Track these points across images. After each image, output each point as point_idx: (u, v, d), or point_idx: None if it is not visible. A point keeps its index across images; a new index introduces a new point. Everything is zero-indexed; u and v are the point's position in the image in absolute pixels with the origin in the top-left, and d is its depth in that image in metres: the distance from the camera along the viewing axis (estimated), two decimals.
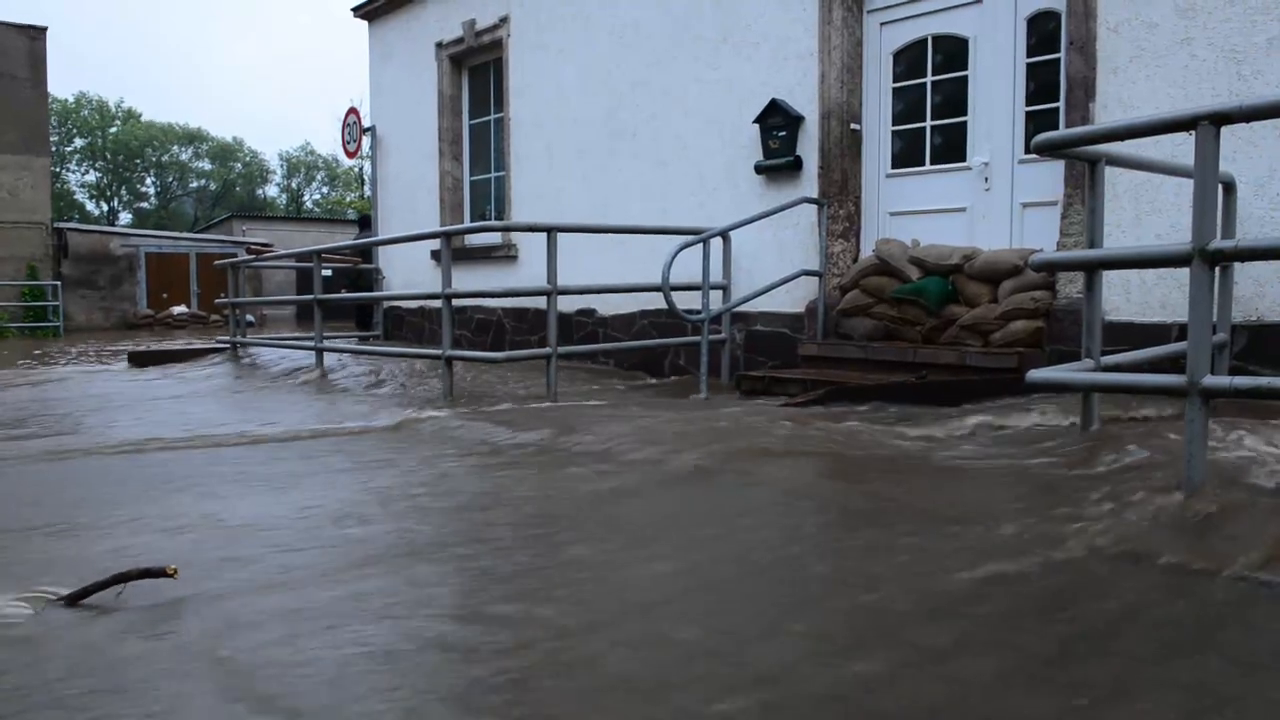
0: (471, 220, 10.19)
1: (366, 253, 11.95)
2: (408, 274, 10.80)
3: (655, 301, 7.17)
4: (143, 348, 11.32)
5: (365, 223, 13.52)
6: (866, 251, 6.49)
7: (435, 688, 1.95)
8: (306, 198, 63.77)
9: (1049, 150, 3.51)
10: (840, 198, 6.58)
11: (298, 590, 2.57)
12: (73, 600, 2.50)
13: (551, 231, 6.18)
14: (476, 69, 10.39)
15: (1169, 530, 2.72)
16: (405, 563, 2.80)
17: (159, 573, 2.51)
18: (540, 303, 7.65)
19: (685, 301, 6.29)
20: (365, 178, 37.97)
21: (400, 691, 1.91)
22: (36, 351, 14.39)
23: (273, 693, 1.92)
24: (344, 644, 2.17)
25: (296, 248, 14.46)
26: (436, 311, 9.53)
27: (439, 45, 10.44)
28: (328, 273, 12.40)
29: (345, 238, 18.22)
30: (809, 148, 6.71)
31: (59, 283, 21.28)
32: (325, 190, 63.74)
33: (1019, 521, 2.88)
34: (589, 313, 8.41)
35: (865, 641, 2.12)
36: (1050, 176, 5.63)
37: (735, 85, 7.16)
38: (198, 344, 11.45)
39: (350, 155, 13.07)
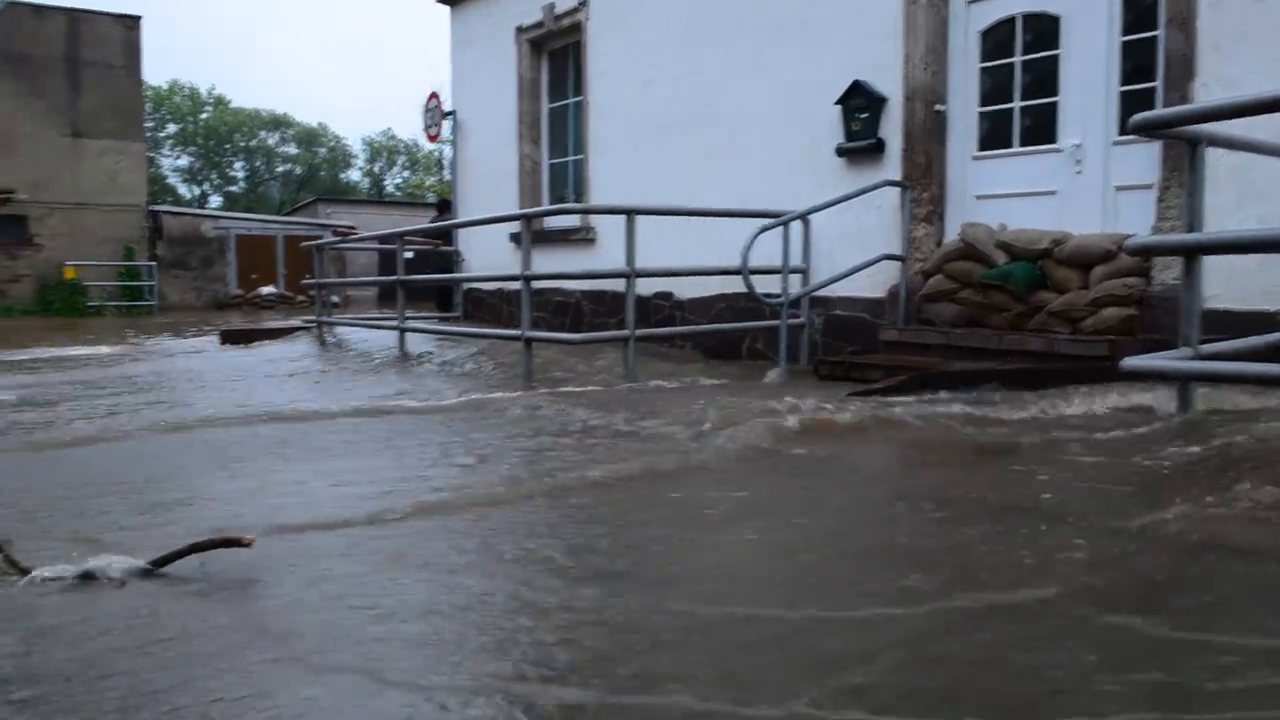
0: (550, 204, 10.27)
1: (446, 235, 12.14)
2: (486, 256, 10.94)
3: (733, 285, 7.15)
4: (234, 327, 11.70)
5: (444, 206, 13.73)
6: (951, 236, 6.37)
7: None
8: (388, 181, 64.91)
9: (1147, 130, 3.41)
10: (924, 180, 6.47)
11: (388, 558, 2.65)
12: (158, 565, 2.61)
13: (631, 214, 6.21)
14: (555, 53, 10.45)
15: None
16: (491, 535, 2.87)
17: (236, 542, 2.61)
18: (618, 285, 7.69)
19: (764, 285, 6.26)
20: (445, 162, 38.48)
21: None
22: (132, 330, 14.98)
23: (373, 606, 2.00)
24: (435, 586, 2.24)
25: (378, 230, 14.76)
26: (514, 293, 9.65)
27: (519, 29, 10.52)
28: (410, 255, 12.61)
29: (425, 221, 18.51)
30: (892, 130, 6.60)
31: (154, 263, 22.08)
32: (406, 174, 64.83)
33: (1115, 514, 2.82)
34: (666, 296, 8.43)
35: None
36: (1146, 159, 5.45)
37: (817, 66, 7.08)
38: (285, 323, 11.78)
39: (431, 139, 13.26)
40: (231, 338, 10.42)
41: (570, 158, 10.28)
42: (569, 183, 10.33)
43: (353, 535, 2.93)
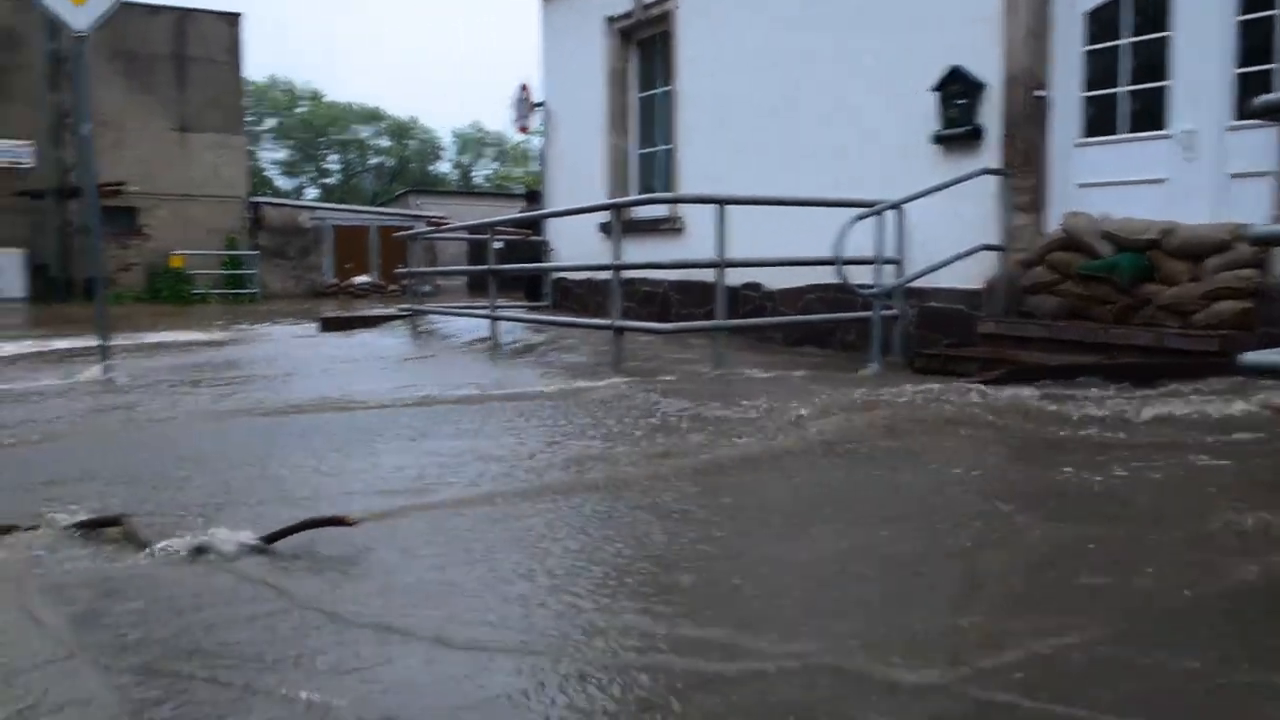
0: (638, 194, 10.30)
1: (536, 225, 12.28)
2: (574, 246, 11.03)
3: (824, 276, 7.07)
4: (334, 315, 12.05)
5: (533, 196, 13.89)
6: (1052, 225, 6.19)
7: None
8: (476, 173, 65.89)
9: (1272, 114, 3.25)
10: (1024, 168, 6.29)
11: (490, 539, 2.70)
12: (268, 541, 2.71)
13: (722, 204, 6.18)
14: (645, 42, 10.45)
15: None
16: (582, 514, 2.90)
17: (341, 521, 2.70)
18: (706, 275, 7.67)
19: (856, 276, 6.17)
20: (534, 153, 38.83)
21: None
22: (236, 317, 15.53)
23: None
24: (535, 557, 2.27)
25: (466, 221, 15.01)
26: (602, 283, 9.71)
27: (608, 19, 10.55)
28: (499, 244, 12.78)
29: (513, 211, 18.73)
30: (990, 116, 6.43)
31: (256, 252, 22.86)
32: (494, 166, 65.73)
33: (1230, 515, 2.71)
34: (755, 286, 8.37)
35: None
36: (1265, 145, 5.20)
37: (912, 52, 6.93)
38: (382, 311, 12.07)
39: (521, 131, 13.41)
40: (331, 325, 10.74)
41: (659, 148, 10.29)
42: (657, 173, 10.34)
43: (441, 516, 3.00)
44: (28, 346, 9.72)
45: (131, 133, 21.40)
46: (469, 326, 9.44)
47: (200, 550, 2.65)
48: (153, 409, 5.40)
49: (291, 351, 8.85)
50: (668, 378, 5.83)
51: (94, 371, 6.84)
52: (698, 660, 1.88)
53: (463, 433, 4.36)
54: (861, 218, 5.98)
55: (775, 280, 8.14)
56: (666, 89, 9.95)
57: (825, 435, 3.94)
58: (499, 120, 63.30)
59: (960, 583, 2.43)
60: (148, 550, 2.68)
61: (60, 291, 20.32)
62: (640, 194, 10.21)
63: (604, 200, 9.91)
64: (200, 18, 23.03)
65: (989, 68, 6.41)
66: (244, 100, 25.65)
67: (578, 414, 4.76)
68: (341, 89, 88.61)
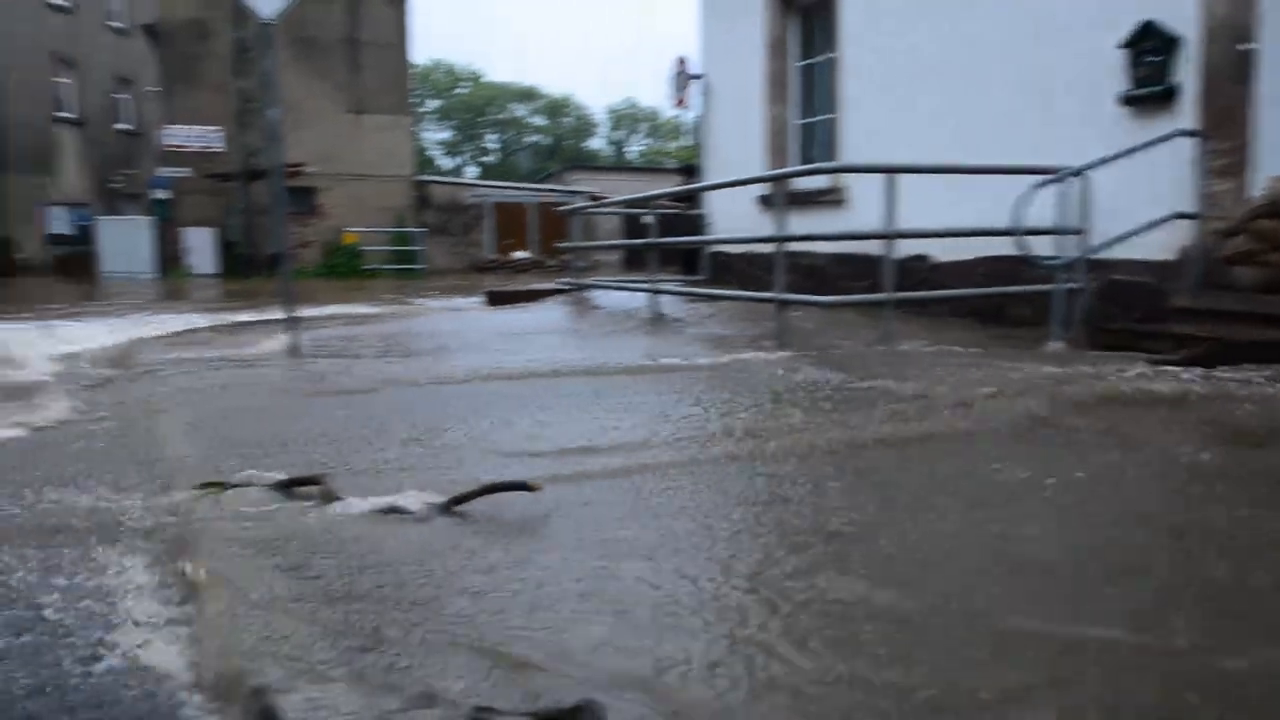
0: (798, 165, 10.11)
1: (692, 199, 12.26)
2: (731, 219, 10.95)
3: (995, 247, 6.77)
4: (498, 288, 12.42)
5: (689, 171, 13.87)
6: (1256, 191, 5.70)
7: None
8: (629, 148, 66.43)
9: None
10: (1224, 130, 5.81)
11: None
12: (455, 504, 2.81)
13: (891, 173, 5.99)
14: (806, 9, 10.22)
15: None
16: (727, 494, 2.88)
17: (525, 486, 2.78)
18: (867, 248, 7.47)
19: (1034, 248, 5.86)
20: (688, 127, 38.70)
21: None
22: (405, 290, 16.22)
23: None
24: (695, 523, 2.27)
25: (620, 196, 15.14)
26: (760, 256, 9.59)
27: None
28: (652, 219, 12.79)
29: (666, 186, 18.77)
30: (1186, 74, 5.97)
31: (423, 229, 23.80)
32: (647, 141, 66.09)
33: None
34: (921, 259, 8.09)
35: None
36: None
37: (1098, 7, 6.50)
38: (542, 285, 12.36)
39: (677, 105, 13.38)
40: (496, 299, 11.07)
41: (819, 117, 10.07)
42: (817, 143, 10.13)
43: (615, 482, 3.06)
44: (223, 318, 10.45)
45: (309, 116, 22.59)
46: (628, 300, 9.54)
47: (392, 509, 2.78)
48: (336, 377, 5.71)
49: (462, 323, 9.18)
50: (832, 352, 5.72)
51: (282, 341, 7.27)
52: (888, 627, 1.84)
53: (631, 403, 4.41)
54: (1044, 184, 5.67)
55: (943, 252, 7.85)
56: (828, 56, 9.70)
57: (1003, 413, 3.78)
58: (653, 96, 63.57)
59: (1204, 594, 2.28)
60: (343, 508, 2.83)
61: (246, 267, 21.74)
62: (800, 165, 10.02)
63: (762, 172, 9.78)
64: (370, 3, 24.02)
65: (1185, 20, 5.94)
66: (410, 83, 26.64)
67: (744, 386, 4.74)
68: (499, 69, 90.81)
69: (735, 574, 2.23)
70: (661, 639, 1.87)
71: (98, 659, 1.95)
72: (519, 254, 24.13)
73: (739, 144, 10.99)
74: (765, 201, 9.78)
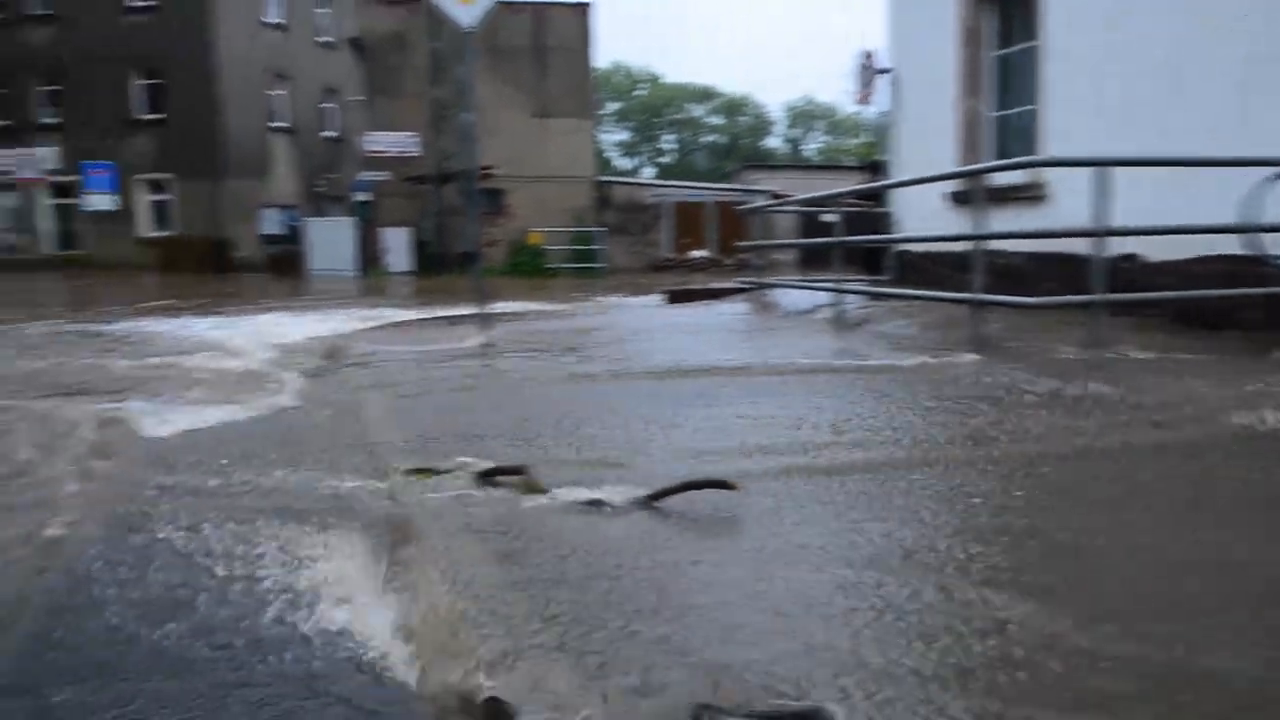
0: (993, 160, 9.67)
1: (877, 196, 11.96)
2: (919, 217, 10.60)
3: (1216, 246, 6.25)
4: (678, 287, 12.53)
5: (874, 167, 13.53)
6: None
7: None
8: (806, 146, 65.62)
9: None
10: None
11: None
12: (655, 499, 2.83)
13: (1103, 167, 5.63)
14: None
15: None
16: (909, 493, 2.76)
17: (724, 484, 2.78)
18: (1069, 246, 7.05)
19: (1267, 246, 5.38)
20: (870, 123, 37.89)
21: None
22: (587, 289, 16.60)
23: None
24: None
25: (798, 195, 14.95)
26: (948, 255, 9.24)
27: None
28: (833, 218, 12.56)
29: (845, 184, 18.42)
30: None
31: (604, 229, 24.32)
32: (825, 139, 65.10)
33: None
34: (1130, 258, 7.57)
35: None
36: None
37: None
38: (722, 284, 12.38)
39: (861, 100, 13.10)
40: (676, 297, 11.16)
41: (1015, 109, 9.59)
42: (1012, 137, 9.65)
43: (807, 482, 3.01)
44: (419, 313, 11.01)
45: (498, 121, 23.48)
46: (810, 299, 9.40)
47: (595, 502, 2.84)
48: (528, 371, 5.90)
49: (643, 321, 9.31)
50: (1035, 356, 5.44)
51: (475, 337, 7.58)
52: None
53: (819, 404, 4.34)
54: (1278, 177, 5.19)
55: (1153, 251, 7.31)
56: (1028, 45, 9.23)
57: (1260, 426, 3.47)
58: (831, 92, 62.55)
59: None
60: (547, 498, 2.91)
61: (438, 265, 22.81)
62: (994, 160, 9.59)
63: (952, 168, 9.42)
64: (555, 11, 24.73)
65: None
66: (593, 87, 27.25)
67: (939, 390, 4.57)
68: (676, 70, 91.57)
69: (945, 589, 2.14)
70: (870, 651, 1.82)
71: (327, 632, 2.08)
72: (696, 253, 24.25)
73: (928, 139, 10.62)
74: (956, 198, 9.41)
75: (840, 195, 9.61)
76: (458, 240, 23.06)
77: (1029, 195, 8.82)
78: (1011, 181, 9.10)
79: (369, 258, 23.65)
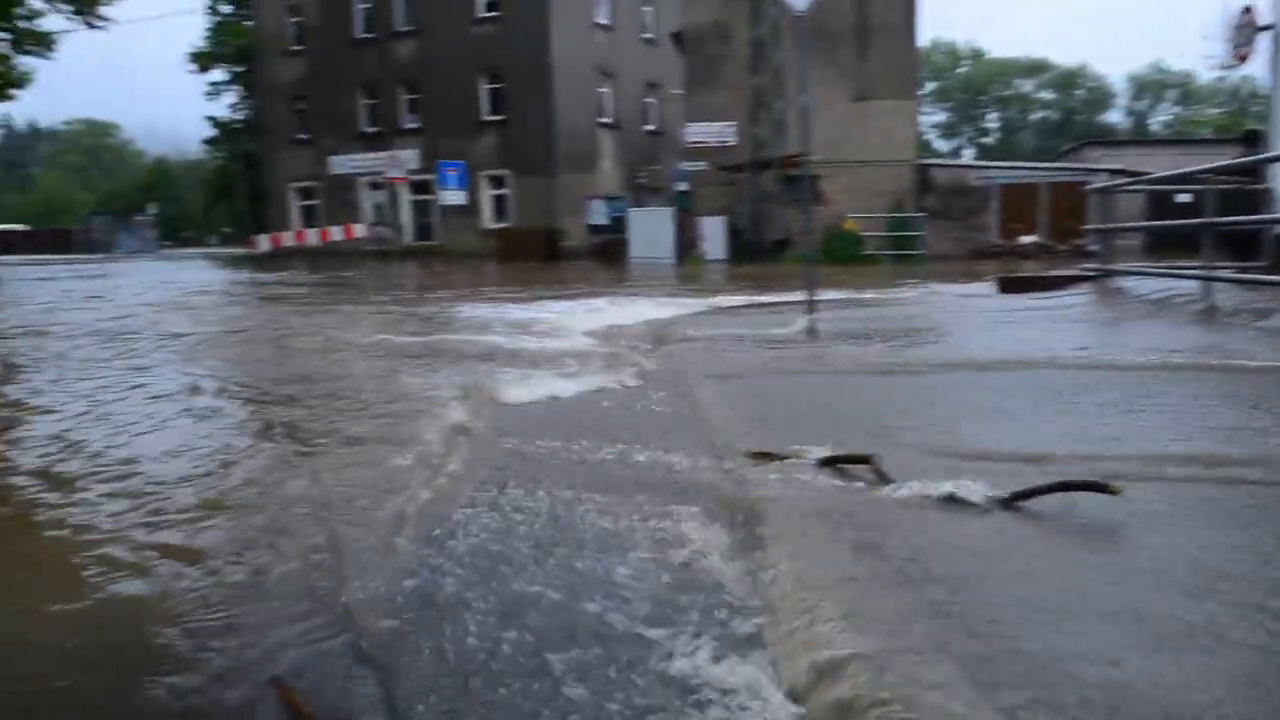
0: None
1: (1250, 171, 10.50)
2: None
3: None
4: (1010, 274, 11.75)
5: (1250, 139, 11.91)
6: None
7: None
8: (1152, 120, 59.35)
9: None
10: None
11: None
12: (1018, 499, 2.61)
13: None
14: None
15: None
16: None
17: (1103, 487, 2.50)
18: None
19: None
20: (1244, 88, 33.61)
21: None
22: (904, 276, 16.02)
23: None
24: None
25: (1146, 173, 13.45)
26: None
27: None
28: (1187, 198, 11.29)
29: (1199, 160, 16.37)
30: None
31: (923, 214, 23.37)
32: (1175, 110, 58.53)
33: None
34: None
35: None
36: None
37: None
38: (1063, 272, 11.43)
39: (1237, 61, 11.57)
40: (1009, 285, 10.46)
41: None
42: None
43: (1206, 496, 2.65)
44: (737, 299, 11.16)
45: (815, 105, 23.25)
46: (1166, 288, 8.43)
47: (950, 497, 2.67)
48: (857, 357, 5.76)
49: (972, 310, 8.81)
50: None
51: (798, 323, 7.52)
52: None
53: (1199, 408, 3.86)
54: None
55: None
56: None
57: None
58: (1188, 58, 56.02)
59: None
60: (898, 490, 2.78)
61: (751, 252, 23.02)
62: None
63: None
64: None
65: None
66: (917, 65, 26.21)
67: None
68: (1003, 44, 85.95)
69: None
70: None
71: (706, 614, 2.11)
72: (1026, 239, 22.61)
73: None
74: None
75: (1209, 171, 8.51)
76: (772, 228, 23.12)
77: None
78: None
79: (684, 246, 24.32)
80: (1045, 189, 24.00)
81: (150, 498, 3.16)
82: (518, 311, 9.76)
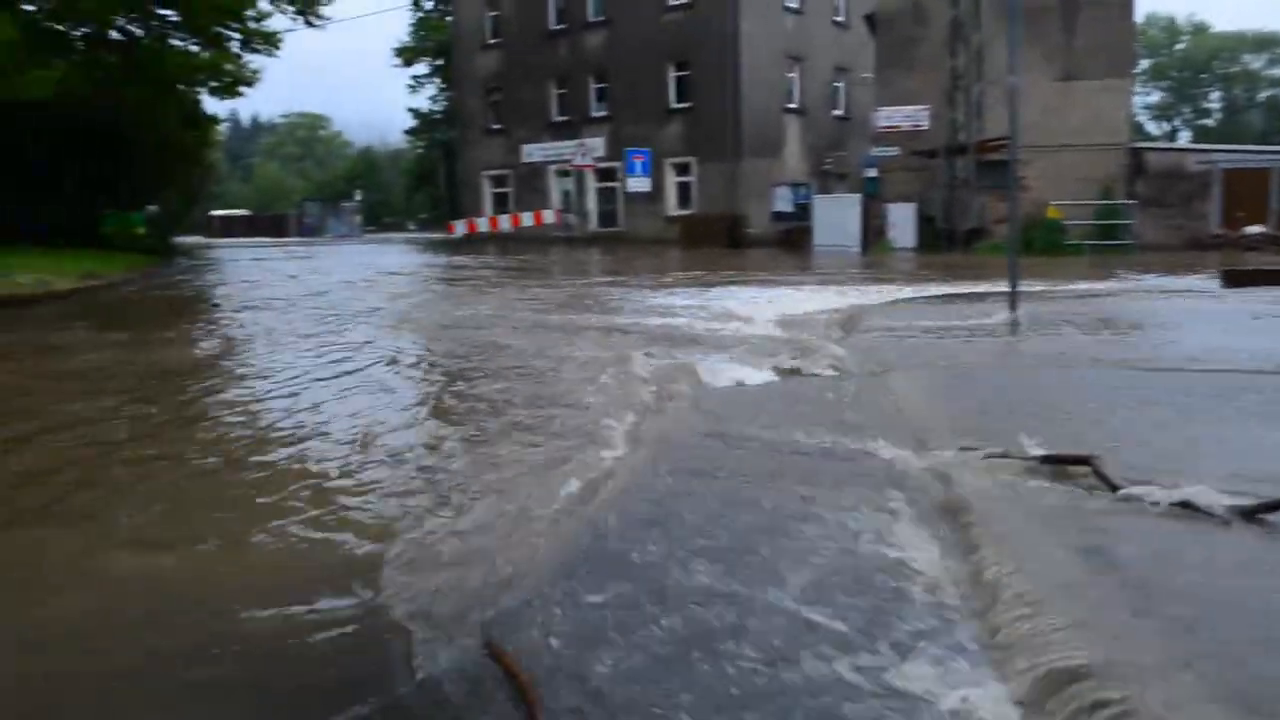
0: None
1: None
2: None
3: None
4: (1233, 266, 10.83)
5: None
6: None
7: None
8: None
9: None
10: None
11: None
12: (1261, 510, 2.41)
13: None
14: None
15: None
16: None
17: None
18: None
19: None
20: None
21: None
22: (1112, 268, 15.02)
23: None
24: None
25: None
26: None
27: None
28: None
29: None
30: None
31: (1133, 201, 21.83)
32: None
33: None
34: None
35: None
36: None
37: None
38: None
39: None
40: (1236, 278, 9.64)
41: None
42: None
43: None
44: (928, 289, 10.79)
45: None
46: None
47: (1185, 504, 2.50)
48: (1063, 353, 5.47)
49: (1197, 305, 8.17)
50: None
51: (996, 315, 7.21)
52: None
53: None
54: None
55: None
56: None
57: None
58: None
59: None
60: (1121, 495, 2.63)
61: (943, 241, 22.18)
62: None
63: None
64: None
65: None
66: (1135, 41, 24.44)
67: None
68: (1228, 17, 78.85)
69: None
70: None
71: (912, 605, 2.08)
72: (1252, 228, 20.69)
73: None
74: None
75: None
76: (965, 216, 22.21)
77: None
78: None
79: (871, 234, 23.70)
80: (1277, 175, 21.91)
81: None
82: (704, 298, 9.79)
